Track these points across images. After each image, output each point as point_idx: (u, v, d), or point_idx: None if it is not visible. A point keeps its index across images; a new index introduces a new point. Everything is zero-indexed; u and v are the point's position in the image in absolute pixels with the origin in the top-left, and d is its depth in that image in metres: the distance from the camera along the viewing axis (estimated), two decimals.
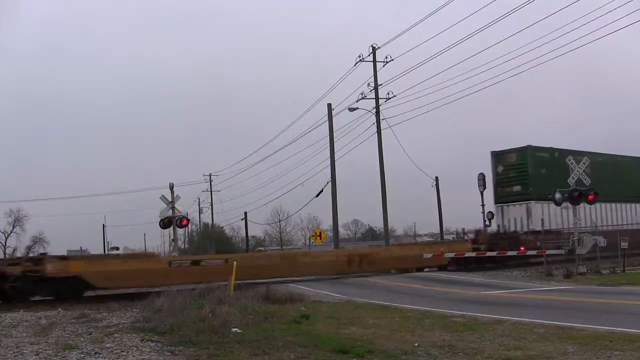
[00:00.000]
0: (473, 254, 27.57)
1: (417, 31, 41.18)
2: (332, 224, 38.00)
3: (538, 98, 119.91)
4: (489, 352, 8.56)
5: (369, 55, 34.85)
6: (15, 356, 9.06)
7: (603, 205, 33.19)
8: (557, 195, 24.87)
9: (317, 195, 39.27)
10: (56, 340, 10.58)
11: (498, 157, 33.55)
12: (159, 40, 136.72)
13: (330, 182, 36.32)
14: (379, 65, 34.71)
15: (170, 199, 27.51)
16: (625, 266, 24.32)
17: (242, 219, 61.33)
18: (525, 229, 31.15)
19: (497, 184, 33.51)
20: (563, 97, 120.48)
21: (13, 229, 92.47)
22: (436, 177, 44.32)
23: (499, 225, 33.39)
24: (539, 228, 30.16)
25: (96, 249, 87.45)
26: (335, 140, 36.50)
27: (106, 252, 76.97)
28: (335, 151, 36.42)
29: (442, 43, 38.79)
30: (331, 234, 41.04)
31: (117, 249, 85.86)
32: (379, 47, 34.69)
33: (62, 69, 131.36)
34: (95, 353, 9.11)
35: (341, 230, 59.94)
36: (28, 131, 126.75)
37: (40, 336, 11.16)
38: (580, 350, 8.43)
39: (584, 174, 25.31)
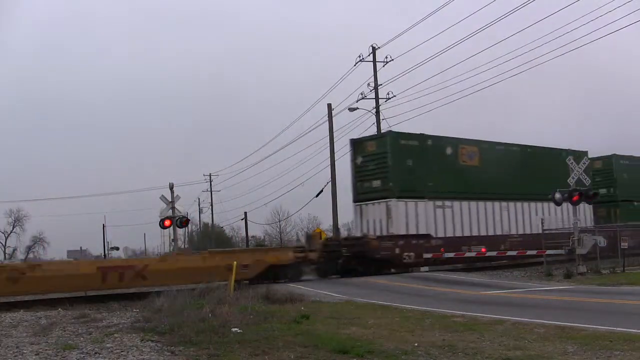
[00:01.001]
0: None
1: (417, 31, 41.23)
2: (332, 224, 38.00)
3: (538, 98, 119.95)
4: (489, 352, 8.55)
5: (369, 55, 34.95)
6: (15, 356, 9.06)
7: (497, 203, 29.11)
8: (557, 195, 24.68)
9: (317, 195, 39.31)
10: (56, 340, 10.58)
11: (357, 145, 27.96)
12: (159, 40, 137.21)
13: (330, 182, 36.35)
14: (379, 65, 34.84)
15: (170, 199, 27.54)
16: (625, 266, 24.32)
17: (242, 219, 61.50)
18: (385, 232, 26.40)
19: (356, 179, 27.81)
20: (563, 97, 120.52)
21: (13, 229, 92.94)
22: None
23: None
24: (401, 231, 26.09)
25: (96, 249, 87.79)
26: (335, 140, 36.52)
27: (106, 252, 77.17)
28: (335, 151, 36.43)
29: (442, 43, 38.85)
30: (331, 234, 41.01)
31: (117, 249, 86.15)
32: (379, 47, 34.82)
33: (62, 69, 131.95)
34: (95, 353, 9.11)
35: (341, 230, 59.86)
36: (28, 131, 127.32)
37: (40, 336, 11.16)
38: (580, 350, 8.42)
39: (584, 174, 24.98)
